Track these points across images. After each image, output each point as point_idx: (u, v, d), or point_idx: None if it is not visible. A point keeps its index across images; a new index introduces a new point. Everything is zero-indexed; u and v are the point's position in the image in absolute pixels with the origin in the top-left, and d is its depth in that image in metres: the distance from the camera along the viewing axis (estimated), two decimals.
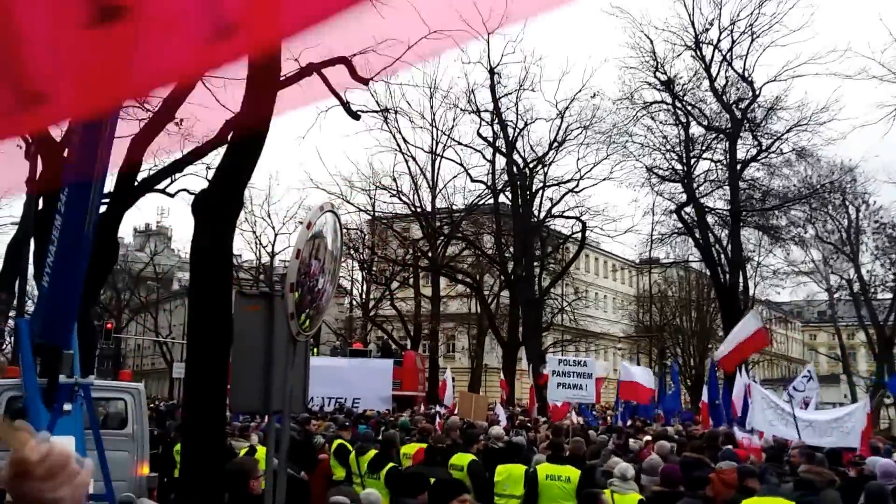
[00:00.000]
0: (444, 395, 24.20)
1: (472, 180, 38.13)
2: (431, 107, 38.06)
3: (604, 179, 36.04)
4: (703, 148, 35.35)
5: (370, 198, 39.41)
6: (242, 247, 47.16)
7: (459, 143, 38.00)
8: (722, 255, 34.46)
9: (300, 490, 8.78)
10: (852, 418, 11.68)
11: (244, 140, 10.01)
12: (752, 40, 32.80)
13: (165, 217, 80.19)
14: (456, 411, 19.90)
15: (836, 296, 44.06)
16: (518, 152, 36.84)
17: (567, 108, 35.33)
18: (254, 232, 45.89)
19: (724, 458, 8.69)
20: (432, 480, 5.88)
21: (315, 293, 5.83)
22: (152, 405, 23.44)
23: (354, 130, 70.31)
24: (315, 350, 30.46)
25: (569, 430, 12.65)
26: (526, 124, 36.43)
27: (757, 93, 33.61)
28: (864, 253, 41.25)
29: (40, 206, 16.24)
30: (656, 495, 7.46)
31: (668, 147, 35.27)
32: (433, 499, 4.95)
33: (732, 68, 33.64)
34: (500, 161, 37.32)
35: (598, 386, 17.14)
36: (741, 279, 35.02)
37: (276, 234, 45.48)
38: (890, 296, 41.00)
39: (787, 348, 65.19)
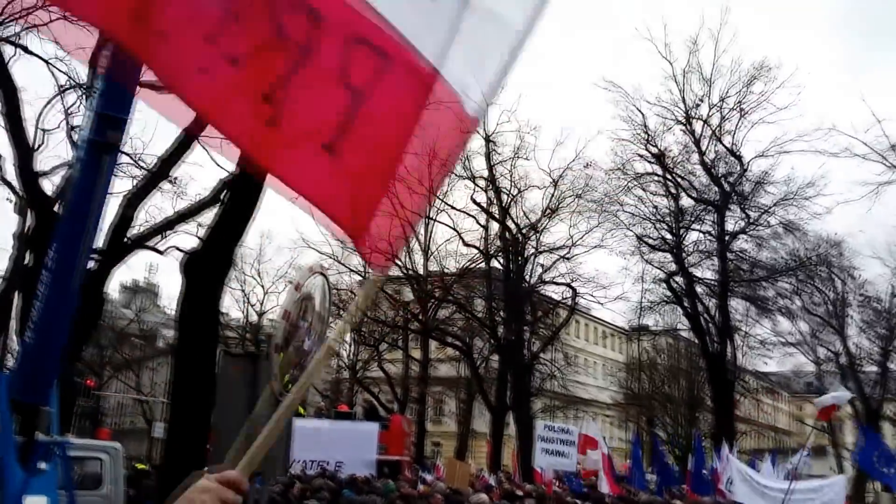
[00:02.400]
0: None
1: (465, 244, 38.35)
2: (428, 173, 38.39)
3: (595, 247, 36.26)
4: (693, 219, 35.72)
5: (362, 258, 39.51)
6: (230, 305, 47.00)
7: (453, 208, 38.34)
8: (710, 325, 34.53)
9: None
10: (833, 490, 11.61)
11: (237, 200, 10.08)
12: (741, 117, 33.50)
13: (154, 274, 79.81)
14: (442, 477, 19.72)
15: (822, 367, 44.08)
16: (511, 218, 37.14)
17: (561, 176, 35.75)
18: (243, 290, 45.85)
19: None
20: None
21: (301, 354, 5.84)
22: (130, 466, 22.99)
23: None
24: (300, 411, 30.11)
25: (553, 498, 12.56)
26: (520, 191, 36.83)
27: (745, 167, 34.17)
28: (850, 326, 41.51)
29: (28, 261, 16.23)
30: None
31: (659, 217, 35.64)
32: None
33: (721, 143, 34.24)
34: (493, 226, 37.62)
35: (585, 447, 16.98)
36: (729, 349, 35.03)
37: (265, 293, 45.42)
38: (875, 368, 41.09)
39: (774, 419, 64.74)
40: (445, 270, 39.78)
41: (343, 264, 38.46)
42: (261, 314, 45.41)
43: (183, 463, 7.51)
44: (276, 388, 5.50)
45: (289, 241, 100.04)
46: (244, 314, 47.29)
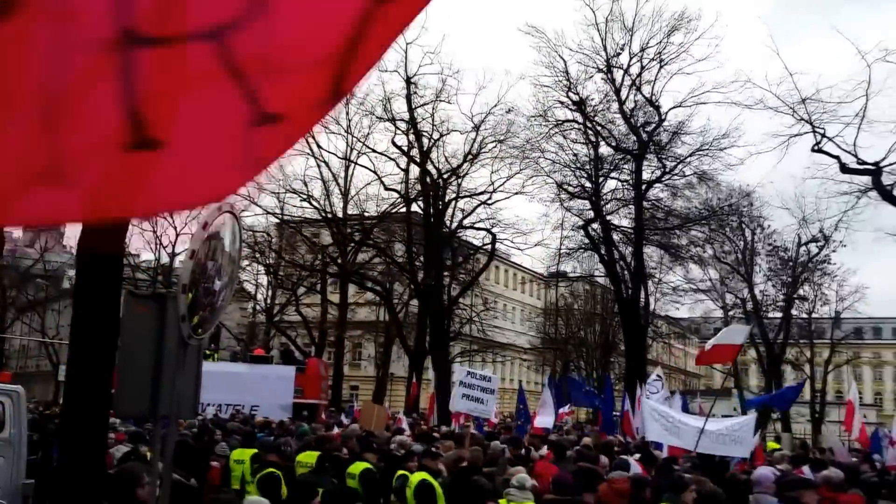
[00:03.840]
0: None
1: (386, 188, 37.99)
2: (347, 113, 37.82)
3: (516, 193, 36.44)
4: (611, 167, 36.21)
5: (279, 201, 38.75)
6: (141, 246, 45.66)
7: (374, 151, 37.87)
8: (625, 271, 35.32)
9: (190, 497, 8.48)
10: (743, 429, 12.04)
11: None
12: (661, 67, 33.88)
13: None
14: (359, 420, 19.76)
15: (730, 314, 45.82)
16: (432, 163, 36.90)
17: (482, 121, 35.62)
18: (154, 231, 44.53)
19: (616, 467, 8.81)
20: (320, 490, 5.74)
21: (210, 296, 5.61)
22: (33, 409, 22.26)
23: None
24: (214, 355, 29.63)
25: (468, 439, 12.69)
26: (441, 135, 36.55)
27: (663, 117, 34.67)
28: (757, 273, 43.21)
29: None
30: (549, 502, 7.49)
31: (578, 165, 35.94)
32: None
33: (641, 93, 34.61)
34: (414, 170, 37.34)
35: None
36: (642, 295, 35.98)
37: (177, 234, 44.20)
38: (780, 315, 42.97)
39: (685, 363, 67.19)
40: (365, 214, 39.40)
41: (258, 205, 37.64)
42: (173, 255, 44.19)
43: (85, 406, 7.23)
44: (185, 331, 5.27)
45: None
46: (156, 255, 46.06)
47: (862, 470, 11.81)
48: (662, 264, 38.50)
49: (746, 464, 11.93)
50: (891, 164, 20.21)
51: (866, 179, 21.78)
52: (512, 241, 37.37)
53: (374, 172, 38.02)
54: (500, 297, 60.01)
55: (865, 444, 14.01)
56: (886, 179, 20.61)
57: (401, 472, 9.18)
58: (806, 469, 11.60)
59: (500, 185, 36.20)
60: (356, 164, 38.93)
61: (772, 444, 19.97)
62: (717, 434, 11.85)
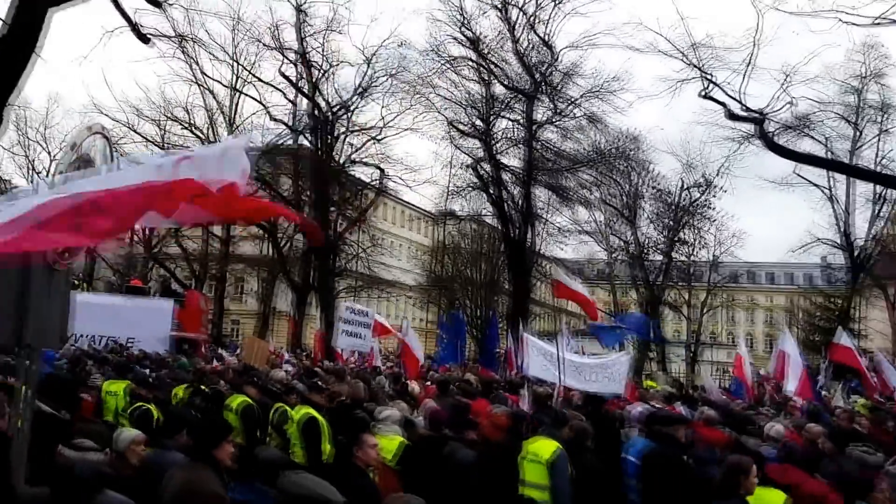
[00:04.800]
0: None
1: (273, 120, 36.76)
2: (233, 40, 36.21)
3: (406, 130, 35.99)
4: (503, 107, 36.12)
5: (160, 129, 36.95)
6: (13, 171, 42.89)
7: (261, 81, 36.49)
8: (513, 211, 35.59)
9: (59, 429, 7.95)
10: (617, 366, 12.29)
11: (5, 57, 9.18)
12: (556, 6, 33.71)
13: None
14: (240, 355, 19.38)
15: (614, 256, 47.18)
16: (322, 95, 35.95)
17: (374, 54, 34.81)
18: (27, 156, 41.84)
19: (495, 402, 8.79)
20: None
21: None
22: None
23: (146, 56, 65.87)
24: (86, 286, 28.28)
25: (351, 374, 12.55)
26: (331, 67, 35.56)
27: (556, 58, 34.68)
28: (641, 217, 44.51)
29: None
30: (422, 439, 7.38)
31: (471, 103, 35.73)
32: (197, 440, 4.47)
33: (535, 32, 34.45)
34: (303, 103, 36.26)
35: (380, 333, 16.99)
36: (529, 235, 36.43)
37: (51, 160, 41.72)
38: (661, 258, 44.54)
39: (567, 303, 68.97)
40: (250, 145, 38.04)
41: (137, 132, 35.80)
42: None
43: None
44: (51, 256, 4.77)
45: (79, 105, 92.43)
46: (29, 182, 43.32)
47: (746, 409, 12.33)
48: (550, 205, 39.00)
49: (621, 401, 12.19)
50: (775, 112, 20.87)
51: (750, 127, 22.43)
52: (401, 179, 37.04)
53: (261, 103, 36.79)
54: (388, 235, 59.64)
55: (809, 395, 14.40)
56: (770, 127, 21.31)
57: (279, 405, 8.94)
58: (679, 406, 11.98)
59: (391, 121, 35.71)
60: (242, 93, 37.51)
61: (649, 383, 20.68)
62: (592, 371, 12.05)
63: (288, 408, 8.72)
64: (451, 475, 6.47)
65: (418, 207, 62.74)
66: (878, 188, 38.33)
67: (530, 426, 7.48)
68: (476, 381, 13.58)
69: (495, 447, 6.89)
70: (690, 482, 6.52)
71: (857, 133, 38.36)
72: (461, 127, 35.73)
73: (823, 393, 15.90)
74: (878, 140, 38.35)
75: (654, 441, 7.13)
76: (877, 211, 39.91)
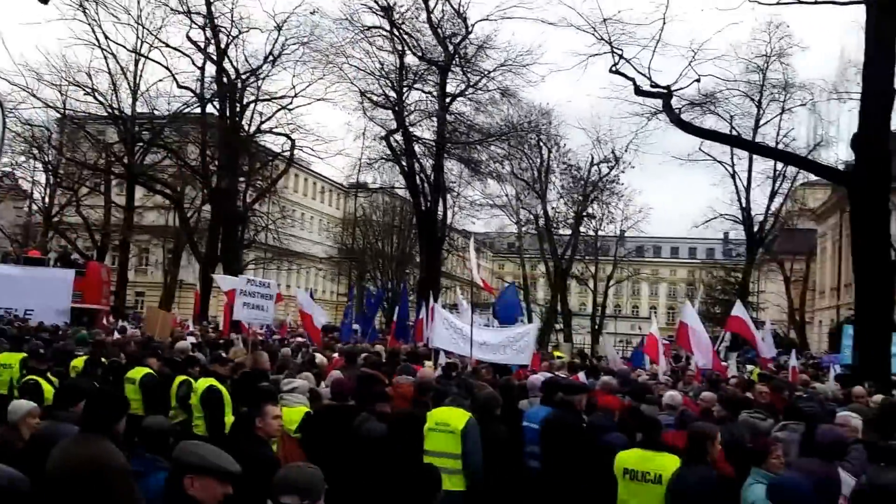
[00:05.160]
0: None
1: (179, 86, 35.56)
2: (138, 2, 34.83)
3: (318, 99, 35.42)
4: (416, 78, 35.89)
5: (61, 94, 35.20)
6: None
7: (167, 46, 35.18)
8: (425, 184, 35.56)
9: None
10: (524, 337, 12.46)
11: None
12: None
13: None
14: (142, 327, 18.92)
15: (524, 229, 47.80)
16: (230, 62, 35.01)
17: (285, 21, 34.03)
18: None
19: (401, 373, 8.80)
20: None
21: None
22: None
23: (45, 18, 62.67)
24: None
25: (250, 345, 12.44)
26: (240, 32, 34.63)
27: (469, 29, 34.55)
28: (551, 191, 45.16)
29: None
30: (327, 409, 7.35)
31: (383, 74, 35.32)
32: (96, 413, 4.29)
33: (449, 3, 34.21)
34: (210, 69, 35.21)
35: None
36: (441, 208, 36.52)
37: None
38: (569, 232, 45.37)
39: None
40: (156, 112, 36.73)
41: (37, 97, 34.07)
42: None
43: None
44: None
45: None
46: None
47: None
48: (462, 178, 39.17)
49: (527, 370, 12.38)
50: (681, 89, 21.36)
51: (658, 103, 22.87)
52: (312, 149, 36.57)
53: (167, 68, 35.49)
54: (299, 206, 58.98)
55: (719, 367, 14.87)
56: (676, 104, 21.78)
57: (182, 377, 8.78)
58: (581, 375, 12.28)
59: (302, 91, 35.09)
60: (147, 58, 36.09)
61: (557, 353, 21.03)
62: (498, 344, 12.20)
63: (192, 380, 8.58)
64: (359, 446, 6.45)
65: (330, 179, 62.09)
66: (778, 165, 39.91)
67: (437, 396, 7.54)
68: (385, 353, 13.59)
69: (402, 417, 6.90)
70: (589, 448, 6.68)
71: (760, 111, 39.83)
72: (373, 98, 35.39)
73: (724, 363, 16.51)
74: (780, 118, 39.94)
75: (554, 408, 7.27)
76: (775, 187, 41.62)
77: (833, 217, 42.15)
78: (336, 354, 12.87)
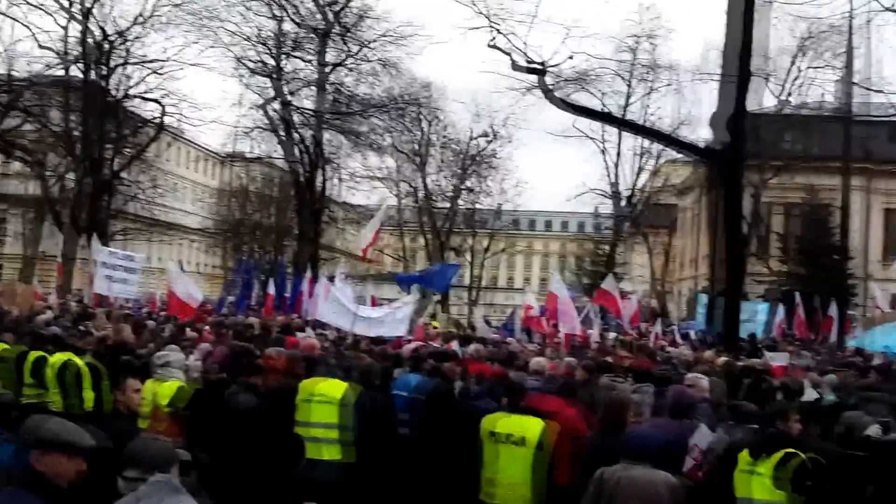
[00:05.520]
0: None
1: (41, 47, 33.45)
2: None
3: (192, 65, 34.09)
4: (295, 45, 35.21)
5: None
6: None
7: (27, 3, 32.99)
8: (304, 155, 35.05)
9: None
10: (404, 309, 12.61)
11: None
12: None
13: None
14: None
15: (403, 202, 47.97)
16: (97, 22, 33.20)
17: None
18: None
19: (273, 345, 8.75)
20: None
21: None
22: None
23: None
24: None
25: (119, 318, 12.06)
26: None
27: None
28: (431, 164, 45.51)
29: None
30: (207, 382, 7.24)
31: (261, 40, 34.50)
32: None
33: None
34: (75, 29, 33.32)
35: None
36: (320, 179, 36.12)
37: None
38: (448, 205, 45.92)
39: (357, 248, 69.30)
40: (14, 73, 34.50)
41: None
42: None
43: None
44: None
45: None
46: None
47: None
48: (342, 150, 38.83)
49: (402, 340, 12.53)
50: (556, 66, 21.85)
51: (533, 78, 23.32)
52: (185, 116, 35.18)
53: (27, 27, 33.30)
54: (171, 175, 56.86)
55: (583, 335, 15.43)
56: (550, 80, 22.29)
57: (37, 353, 8.38)
58: (455, 344, 12.58)
59: (175, 55, 33.69)
60: (5, 15, 33.76)
61: (434, 323, 21.30)
62: (377, 318, 12.32)
63: (47, 354, 8.22)
64: (231, 419, 6.39)
65: (205, 148, 60.08)
66: (645, 143, 41.66)
67: (311, 367, 7.54)
68: (258, 325, 13.46)
69: (274, 390, 6.86)
70: (460, 414, 6.84)
71: (630, 90, 41.40)
72: (250, 64, 34.50)
73: (589, 331, 17.23)
74: (648, 97, 41.65)
75: (425, 376, 7.43)
76: (642, 164, 43.45)
77: (694, 193, 44.35)
78: (207, 328, 12.65)
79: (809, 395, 7.92)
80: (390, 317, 12.46)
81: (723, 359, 10.49)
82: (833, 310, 20.03)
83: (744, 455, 4.88)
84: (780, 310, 20.99)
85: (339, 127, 36.72)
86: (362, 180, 43.12)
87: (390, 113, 38.40)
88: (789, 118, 36.01)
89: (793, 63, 35.43)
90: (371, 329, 12.05)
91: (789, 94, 36.05)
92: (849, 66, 29.06)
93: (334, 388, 6.66)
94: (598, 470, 5.01)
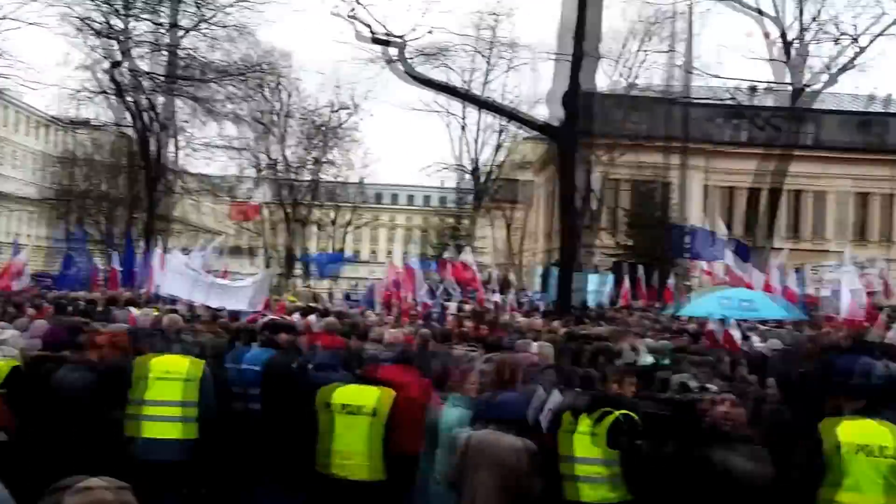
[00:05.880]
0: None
1: None
2: None
3: (31, 24, 31.76)
4: (144, 6, 33.45)
5: None
6: None
7: None
8: (154, 122, 33.58)
9: None
10: (256, 283, 12.47)
11: None
12: None
13: None
14: None
15: (262, 174, 46.91)
16: None
17: None
18: None
19: (117, 320, 8.50)
20: None
21: None
22: None
23: None
24: None
25: None
26: None
27: None
28: (290, 136, 44.73)
29: None
30: (35, 359, 6.91)
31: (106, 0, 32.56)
32: None
33: None
34: None
35: None
36: (172, 148, 34.77)
37: None
38: (309, 177, 45.36)
39: (213, 220, 67.06)
40: None
41: None
42: None
43: None
44: None
45: None
46: None
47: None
48: (195, 118, 37.36)
49: (257, 315, 12.39)
50: (415, 39, 21.90)
51: (394, 52, 23.27)
52: (21, 78, 32.81)
53: None
54: (6, 142, 53.19)
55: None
56: (409, 53, 22.31)
57: None
58: (313, 318, 12.61)
59: (11, 12, 31.27)
60: None
61: (290, 298, 21.01)
62: (231, 289, 12.12)
63: None
64: (54, 398, 6.14)
65: (42, 112, 56.23)
66: (502, 120, 42.53)
67: (154, 343, 7.34)
68: (102, 300, 12.95)
69: (106, 367, 6.63)
70: (299, 386, 6.85)
71: (489, 67, 42.17)
72: (95, 25, 32.49)
73: (445, 302, 17.57)
74: (506, 75, 42.61)
75: (272, 349, 7.41)
76: (500, 140, 44.45)
77: (547, 169, 45.80)
78: (45, 303, 12.07)
79: (629, 357, 8.47)
80: (243, 290, 12.28)
81: (562, 328, 11.04)
82: (660, 279, 21.24)
83: (567, 416, 5.23)
84: (626, 280, 22.07)
85: (192, 94, 35.30)
86: (217, 150, 41.70)
87: (247, 81, 37.26)
88: (626, 98, 37.60)
89: (624, 45, 37.28)
90: (218, 300, 11.83)
91: (629, 76, 37.81)
92: (690, 50, 30.68)
93: (177, 363, 6.50)
94: (466, 433, 5.22)
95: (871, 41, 31.26)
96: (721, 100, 35.99)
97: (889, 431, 4.77)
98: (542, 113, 35.52)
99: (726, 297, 11.71)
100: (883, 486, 4.65)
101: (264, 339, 7.72)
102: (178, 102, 34.81)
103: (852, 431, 4.83)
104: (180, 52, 33.18)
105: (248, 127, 42.33)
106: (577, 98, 16.64)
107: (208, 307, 11.57)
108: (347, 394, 6.01)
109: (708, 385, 4.90)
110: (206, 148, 40.18)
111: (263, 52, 37.61)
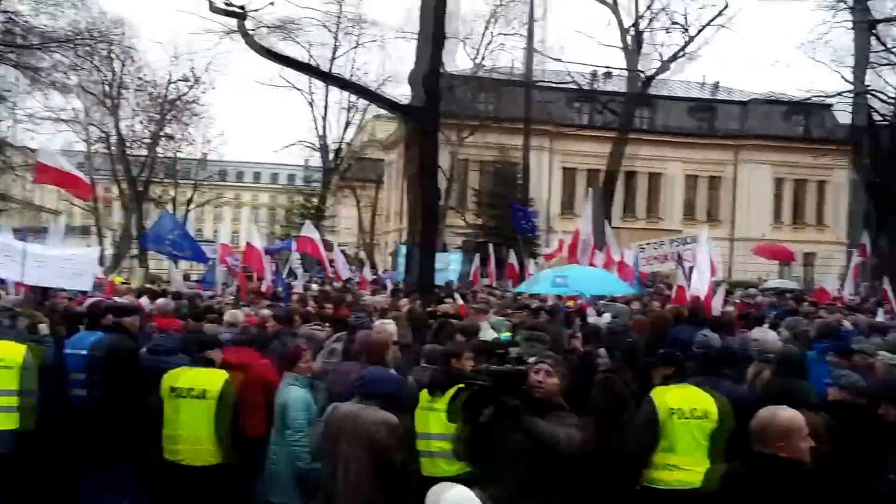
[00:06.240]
0: None
1: None
2: None
3: None
4: None
5: None
6: None
7: None
8: None
9: None
10: (83, 261, 11.73)
11: None
12: None
13: None
14: None
15: (94, 147, 44.11)
16: None
17: None
18: None
19: None
20: None
21: None
22: None
23: None
24: None
25: None
26: None
27: None
28: (125, 108, 42.14)
29: None
30: None
31: None
32: None
33: None
34: None
35: None
36: None
37: None
38: (146, 152, 42.95)
39: (41, 198, 62.66)
40: None
41: None
42: None
43: None
44: None
45: None
46: None
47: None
48: (18, 87, 34.59)
49: (86, 296, 11.70)
50: (257, 10, 21.05)
51: (234, 22, 22.28)
52: None
53: None
54: None
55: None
56: (251, 25, 21.41)
57: None
58: (144, 300, 12.10)
59: None
60: None
61: (117, 279, 19.96)
62: (57, 267, 11.32)
63: None
64: None
65: None
66: (352, 97, 42.12)
67: None
68: None
69: None
70: (146, 372, 6.52)
71: (336, 42, 41.48)
72: None
73: (293, 282, 17.26)
74: (354, 51, 42.07)
75: (104, 333, 6.99)
76: (349, 118, 43.95)
77: (398, 148, 45.89)
78: None
79: (488, 335, 8.64)
80: (70, 268, 11.47)
81: (408, 306, 11.10)
82: (514, 258, 21.71)
83: (423, 394, 5.27)
84: (476, 259, 22.41)
85: (14, 61, 32.65)
86: (44, 122, 38.86)
87: (76, 49, 34.83)
88: (482, 80, 38.19)
89: (486, 28, 37.83)
90: (47, 280, 11.04)
91: (483, 58, 38.40)
92: (531, 35, 31.33)
93: (11, 350, 6.08)
94: (332, 405, 5.19)
95: (700, 30, 32.92)
96: (565, 83, 37.10)
97: (711, 397, 5.15)
98: (391, 91, 35.68)
99: (561, 276, 12.22)
100: (707, 449, 5.00)
101: (94, 322, 7.27)
102: (1, 70, 32.14)
103: (681, 397, 5.16)
104: (0, 16, 30.55)
105: (79, 98, 39.77)
106: (438, 79, 16.66)
107: (33, 288, 10.78)
108: (193, 378, 5.79)
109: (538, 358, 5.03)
110: (29, 119, 37.48)
111: (93, 17, 35.32)
